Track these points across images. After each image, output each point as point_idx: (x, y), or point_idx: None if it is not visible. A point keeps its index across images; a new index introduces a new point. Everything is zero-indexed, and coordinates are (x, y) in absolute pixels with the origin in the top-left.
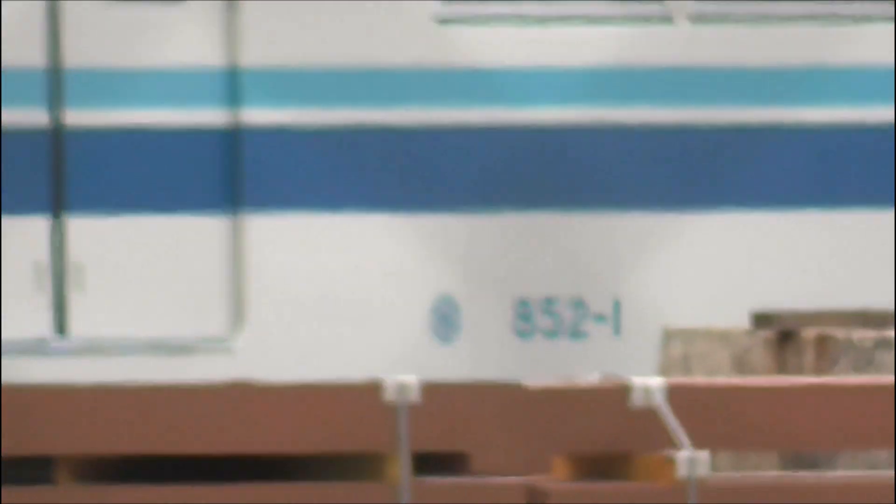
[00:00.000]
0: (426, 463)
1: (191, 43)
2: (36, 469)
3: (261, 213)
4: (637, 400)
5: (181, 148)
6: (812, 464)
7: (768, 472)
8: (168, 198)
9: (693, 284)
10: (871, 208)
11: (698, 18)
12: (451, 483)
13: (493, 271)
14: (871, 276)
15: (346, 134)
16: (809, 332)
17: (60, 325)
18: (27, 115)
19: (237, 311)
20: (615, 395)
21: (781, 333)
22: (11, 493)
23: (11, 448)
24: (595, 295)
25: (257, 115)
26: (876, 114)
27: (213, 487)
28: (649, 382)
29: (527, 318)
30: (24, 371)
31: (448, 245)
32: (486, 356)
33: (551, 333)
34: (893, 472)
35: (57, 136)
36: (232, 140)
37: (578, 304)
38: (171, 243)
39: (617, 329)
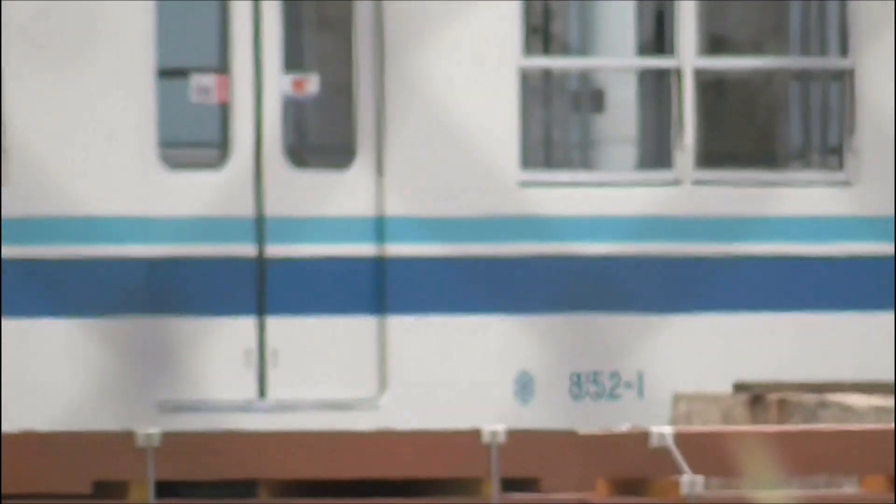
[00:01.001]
0: (510, 485)
1: (353, 199)
2: (241, 487)
3: (398, 314)
4: (654, 442)
5: (347, 270)
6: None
7: (745, 491)
8: (336, 303)
9: (693, 363)
10: (814, 312)
11: (698, 182)
12: (527, 498)
13: (557, 354)
14: (815, 358)
15: (456, 261)
16: (773, 396)
17: (261, 391)
18: (239, 249)
19: (382, 380)
20: (639, 439)
21: (754, 397)
22: None
23: (229, 474)
24: (625, 370)
25: (395, 248)
26: (809, 249)
27: (364, 500)
28: (663, 430)
29: (579, 386)
30: (236, 423)
31: (527, 336)
32: (551, 413)
33: (596, 396)
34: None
35: (260, 263)
36: (379, 265)
37: (614, 376)
38: (339, 334)
39: (640, 393)
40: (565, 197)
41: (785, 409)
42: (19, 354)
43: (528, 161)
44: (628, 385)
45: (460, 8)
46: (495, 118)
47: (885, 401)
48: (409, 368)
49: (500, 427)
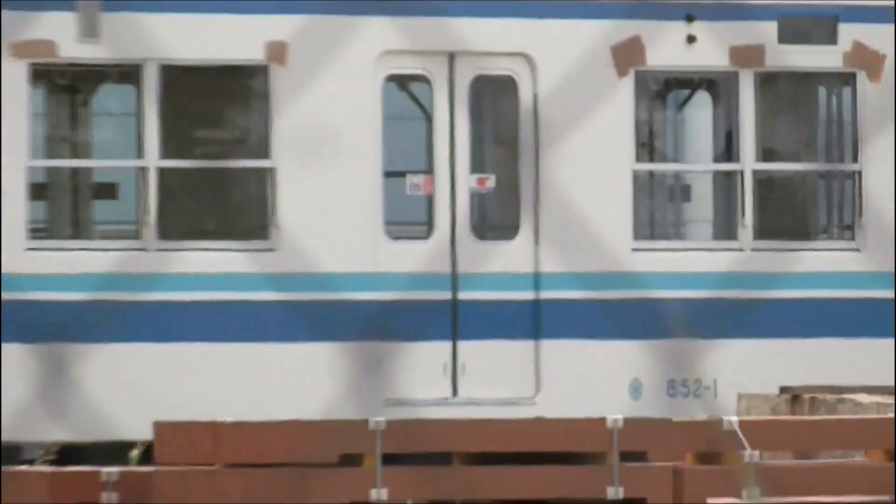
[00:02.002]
0: (625, 457)
1: (518, 260)
2: (441, 458)
3: (549, 339)
4: (725, 427)
5: (514, 309)
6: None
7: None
8: (506, 331)
9: (751, 373)
10: (834, 338)
11: (755, 249)
12: (639, 465)
13: (658, 367)
14: (834, 370)
15: (589, 302)
16: (806, 396)
17: (454, 392)
18: (439, 295)
19: (538, 384)
20: (715, 425)
21: (793, 396)
22: (413, 471)
23: (433, 448)
24: (705, 377)
25: (547, 294)
26: (831, 294)
27: (511, 469)
28: (731, 419)
29: (673, 388)
30: (437, 414)
31: (637, 354)
32: (655, 409)
33: (684, 396)
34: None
35: (454, 304)
36: (536, 305)
37: (696, 381)
38: (508, 353)
39: (715, 394)
40: (663, 259)
41: (814, 405)
42: (287, 368)
43: (638, 234)
44: (707, 388)
45: (594, 130)
46: (616, 204)
47: (884, 398)
48: (556, 376)
49: (619, 416)
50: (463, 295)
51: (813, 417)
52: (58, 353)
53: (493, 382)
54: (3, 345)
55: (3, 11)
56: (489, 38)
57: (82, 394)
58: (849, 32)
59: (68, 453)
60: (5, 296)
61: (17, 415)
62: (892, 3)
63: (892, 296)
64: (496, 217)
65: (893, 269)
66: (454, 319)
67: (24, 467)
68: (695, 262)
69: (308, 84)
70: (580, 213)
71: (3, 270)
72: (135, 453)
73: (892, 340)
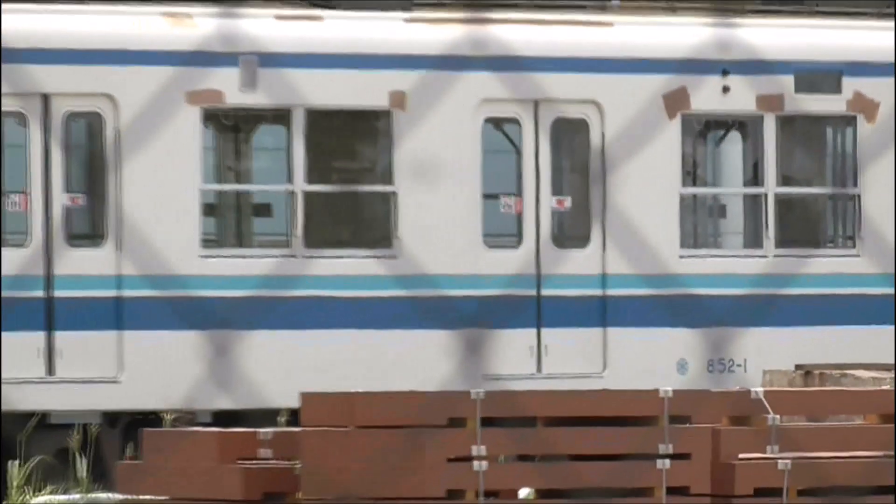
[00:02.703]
0: (674, 420)
1: (589, 264)
2: (528, 421)
3: (613, 327)
4: (753, 396)
5: (585, 303)
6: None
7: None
8: (580, 321)
9: (773, 353)
10: (839, 326)
11: (776, 256)
12: (684, 427)
13: (699, 349)
14: (840, 350)
15: (645, 298)
16: (816, 371)
17: (538, 369)
18: (528, 292)
19: (604, 361)
20: (745, 394)
21: (805, 372)
22: (500, 432)
23: (521, 413)
24: (737, 357)
25: (612, 292)
26: (836, 291)
27: (582, 430)
28: (758, 389)
29: (712, 366)
30: (525, 386)
31: (683, 339)
32: (697, 382)
33: (720, 372)
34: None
35: (538, 299)
36: (602, 300)
37: (730, 360)
38: (582, 338)
39: (745, 370)
40: (704, 263)
41: (823, 379)
42: (407, 350)
43: (684, 243)
44: (739, 365)
45: (649, 161)
46: (666, 220)
47: (879, 373)
48: (619, 356)
49: (669, 388)
50: (545, 292)
51: (822, 388)
52: (224, 339)
53: (569, 361)
54: (184, 332)
55: (180, 67)
56: (567, 88)
57: (243, 371)
58: (850, 84)
59: (230, 418)
60: (182, 293)
61: (192, 388)
62: (885, 60)
63: (886, 292)
64: (571, 230)
65: (887, 271)
66: (538, 311)
67: (198, 428)
68: (729, 265)
69: (422, 125)
70: (638, 227)
71: (180, 272)
72: (282, 419)
73: (886, 328)
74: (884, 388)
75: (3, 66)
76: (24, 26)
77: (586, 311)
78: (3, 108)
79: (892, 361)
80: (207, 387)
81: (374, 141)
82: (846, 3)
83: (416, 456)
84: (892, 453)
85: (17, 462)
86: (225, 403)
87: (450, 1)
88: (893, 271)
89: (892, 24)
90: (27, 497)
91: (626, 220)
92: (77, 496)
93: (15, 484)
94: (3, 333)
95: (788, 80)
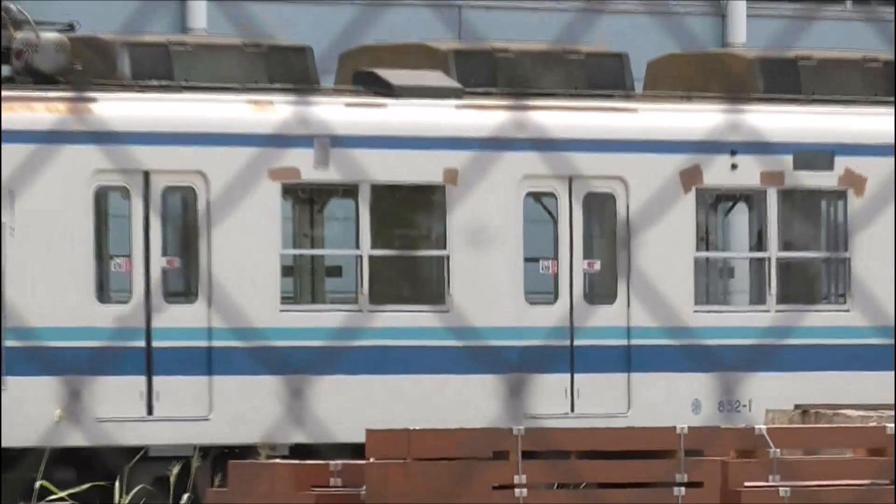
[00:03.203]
0: (688, 453)
1: (616, 318)
2: (560, 454)
3: (637, 372)
4: (758, 432)
5: (612, 353)
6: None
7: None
8: (608, 366)
9: (774, 396)
10: (833, 371)
11: (778, 311)
12: (697, 459)
13: (711, 391)
14: (832, 392)
15: (668, 347)
16: (812, 411)
17: (572, 408)
18: (561, 334)
19: (628, 402)
20: (750, 432)
21: (803, 411)
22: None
23: (557, 447)
24: (743, 398)
25: (635, 341)
26: (830, 341)
27: (610, 462)
28: (761, 427)
29: (722, 406)
30: (558, 424)
31: (698, 382)
32: (709, 420)
33: (729, 412)
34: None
35: (571, 351)
36: (627, 350)
37: (737, 401)
38: (608, 382)
39: (750, 410)
40: (716, 317)
41: (818, 417)
42: (459, 392)
43: (697, 300)
44: (745, 406)
45: (667, 229)
46: (683, 279)
47: (866, 413)
48: (642, 398)
49: (685, 425)
50: (577, 342)
51: (817, 426)
52: (299, 383)
53: (598, 402)
54: (265, 377)
55: (263, 148)
56: (597, 166)
57: (316, 410)
58: (842, 162)
59: (302, 452)
60: (264, 343)
61: (272, 425)
62: (873, 141)
63: (874, 343)
64: (600, 289)
65: (875, 324)
66: (571, 359)
67: (277, 460)
68: (737, 319)
69: (472, 198)
70: (658, 286)
71: (262, 325)
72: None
73: (874, 373)
74: (871, 425)
75: (109, 147)
76: (127, 112)
77: (613, 359)
78: (109, 183)
79: (879, 403)
80: (285, 424)
81: (429, 212)
82: (837, 90)
83: (465, 484)
84: (881, 482)
85: (117, 488)
86: (300, 438)
87: (495, 90)
88: (884, 324)
89: (881, 109)
90: None
91: (648, 280)
92: None
93: None
94: (108, 377)
95: (788, 159)
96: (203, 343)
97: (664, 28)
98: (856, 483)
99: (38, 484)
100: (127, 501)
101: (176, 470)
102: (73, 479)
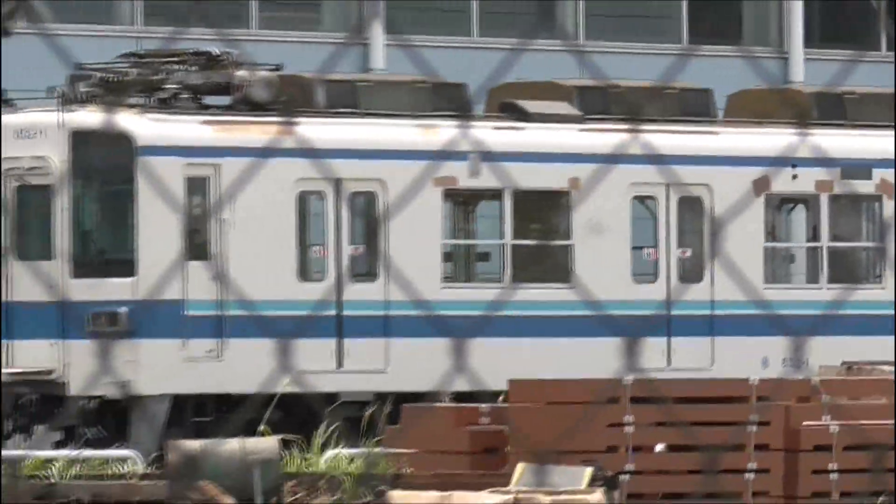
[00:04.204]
0: (759, 399)
1: (703, 293)
2: (658, 399)
3: (719, 336)
4: (813, 382)
5: (700, 321)
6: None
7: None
8: (697, 331)
9: (826, 355)
10: (869, 336)
11: (829, 288)
12: (766, 404)
13: (777, 349)
14: (870, 352)
15: (739, 316)
16: (855, 366)
17: (668, 362)
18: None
19: (712, 359)
20: (807, 382)
21: (848, 367)
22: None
23: (657, 394)
24: (803, 357)
25: (718, 311)
26: (868, 312)
27: (698, 406)
28: (816, 378)
29: (786, 362)
30: (657, 376)
31: (768, 343)
32: (775, 374)
33: (791, 367)
34: None
35: (668, 318)
36: (711, 319)
37: (797, 359)
38: (697, 343)
39: (808, 365)
40: (781, 293)
41: (860, 371)
42: (581, 353)
43: (766, 280)
44: (803, 362)
45: (744, 225)
46: (755, 263)
47: None
48: (723, 356)
49: (756, 377)
50: (673, 312)
51: (859, 378)
52: (460, 344)
53: (689, 359)
54: (433, 339)
55: (428, 161)
56: (688, 176)
57: (472, 364)
58: (878, 173)
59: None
60: (428, 313)
61: (440, 377)
62: None
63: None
64: (691, 269)
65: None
66: (668, 325)
67: (440, 404)
68: (796, 294)
69: (592, 199)
70: (737, 268)
71: (429, 298)
72: (501, 398)
73: None
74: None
75: (308, 161)
76: (322, 134)
77: (700, 325)
78: (309, 188)
79: None
80: (449, 376)
81: (557, 211)
82: (874, 118)
83: (586, 423)
84: None
85: (317, 431)
86: (461, 387)
87: (609, 117)
88: None
89: None
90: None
91: (728, 264)
92: (360, 450)
93: (319, 443)
94: (308, 340)
95: (836, 171)
96: (381, 312)
97: (740, 69)
98: (888, 422)
99: (262, 427)
100: (325, 436)
101: (367, 413)
102: (281, 419)
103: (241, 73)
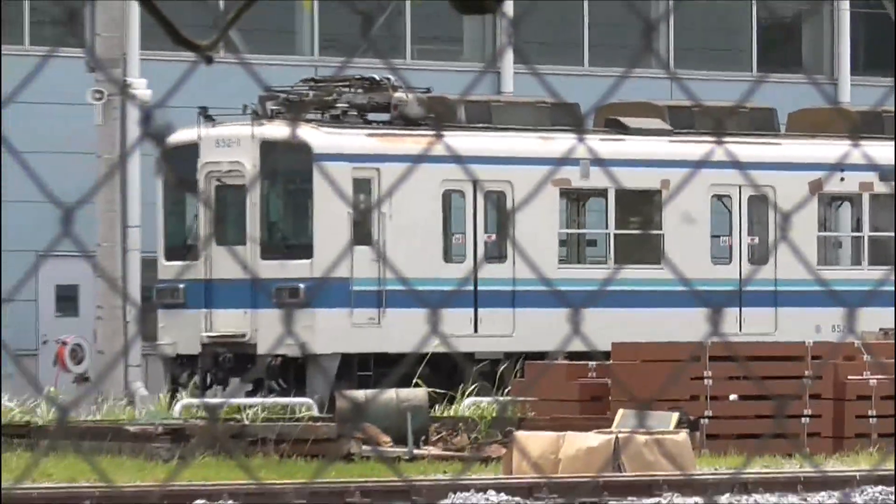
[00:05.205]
0: (813, 358)
1: (769, 274)
2: (730, 358)
3: (780, 307)
4: (857, 344)
5: (764, 295)
6: None
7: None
8: (763, 303)
9: (867, 322)
10: (880, 307)
11: (869, 269)
12: (819, 361)
13: (829, 318)
14: (886, 320)
15: (796, 291)
16: (891, 331)
17: (740, 328)
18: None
19: (775, 325)
20: (851, 344)
21: (885, 332)
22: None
23: (732, 353)
24: (847, 323)
25: (781, 287)
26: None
27: (766, 363)
28: (858, 342)
29: (835, 328)
30: (731, 339)
31: (819, 313)
32: (826, 338)
33: (839, 331)
34: None
35: (740, 295)
36: (774, 294)
37: (844, 326)
38: (764, 314)
39: (852, 330)
40: (831, 273)
41: (889, 335)
42: (675, 323)
43: (819, 262)
44: (851, 329)
45: (802, 218)
46: (809, 249)
47: None
48: (784, 323)
49: (811, 340)
50: (744, 288)
51: (892, 341)
52: (572, 313)
53: (756, 325)
54: (550, 309)
55: (548, 166)
56: (757, 179)
57: (583, 328)
58: None
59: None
60: (546, 289)
61: (558, 340)
62: None
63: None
64: (758, 254)
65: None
66: (740, 299)
67: (555, 362)
68: (843, 274)
69: (678, 197)
70: (796, 252)
71: (548, 276)
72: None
73: None
74: None
75: (452, 165)
76: (463, 143)
77: (766, 298)
78: (452, 188)
79: None
80: (564, 339)
81: (651, 206)
82: None
83: (673, 377)
84: None
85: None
86: (573, 348)
87: (694, 131)
88: None
89: None
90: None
91: (788, 249)
92: (493, 399)
93: (460, 393)
94: (451, 309)
95: (874, 175)
96: (509, 288)
97: (799, 92)
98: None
99: (414, 380)
100: (463, 390)
101: (500, 370)
102: (429, 374)
103: (398, 94)
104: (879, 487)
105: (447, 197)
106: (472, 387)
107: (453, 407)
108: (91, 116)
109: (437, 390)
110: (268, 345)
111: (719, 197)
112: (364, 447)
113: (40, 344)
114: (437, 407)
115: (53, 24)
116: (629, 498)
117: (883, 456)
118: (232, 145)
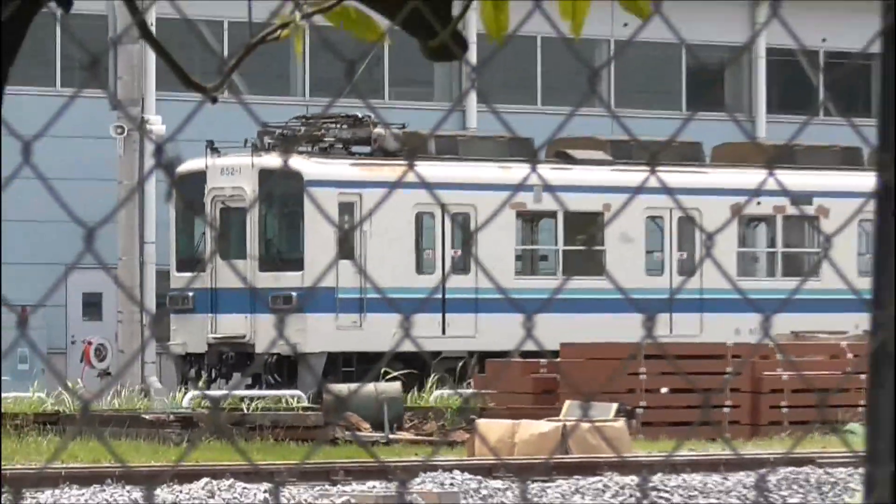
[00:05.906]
0: (734, 357)
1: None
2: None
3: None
4: (771, 346)
5: (771, 303)
6: None
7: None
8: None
9: (781, 327)
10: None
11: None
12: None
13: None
14: (811, 327)
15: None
16: (800, 334)
17: (671, 330)
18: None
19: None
20: (766, 346)
21: (795, 335)
22: None
23: (662, 351)
24: (763, 328)
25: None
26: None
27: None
28: (771, 343)
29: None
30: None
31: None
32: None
33: (757, 335)
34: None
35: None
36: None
37: (758, 330)
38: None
39: (768, 335)
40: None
41: (803, 337)
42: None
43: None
44: (765, 332)
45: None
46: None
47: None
48: (710, 326)
49: (731, 341)
50: (675, 296)
51: (802, 342)
52: (527, 318)
53: (685, 328)
54: (506, 314)
55: (508, 191)
56: (686, 201)
57: (538, 333)
58: (816, 201)
59: None
60: (505, 296)
61: (513, 341)
62: None
63: None
64: (686, 266)
65: None
66: (671, 307)
67: (512, 359)
68: (759, 284)
69: (618, 219)
70: (718, 265)
71: (505, 286)
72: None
73: None
74: (830, 342)
75: (423, 191)
76: (432, 172)
77: (692, 305)
78: (423, 210)
79: None
80: (519, 340)
81: (593, 226)
82: (816, 162)
83: (616, 374)
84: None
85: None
86: (529, 347)
87: (632, 161)
88: None
89: None
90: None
91: (713, 263)
92: (457, 391)
93: (429, 386)
94: (422, 314)
95: (786, 200)
96: (472, 296)
97: (722, 128)
98: (823, 373)
99: (387, 376)
100: (431, 384)
101: (459, 365)
102: (403, 370)
103: (377, 130)
104: (790, 468)
105: (419, 218)
106: (440, 381)
107: (424, 398)
108: (113, 148)
109: (410, 383)
110: (265, 345)
111: (653, 218)
112: (347, 433)
113: (69, 344)
114: (409, 397)
115: (81, 69)
116: (575, 476)
117: (794, 441)
118: (234, 173)
